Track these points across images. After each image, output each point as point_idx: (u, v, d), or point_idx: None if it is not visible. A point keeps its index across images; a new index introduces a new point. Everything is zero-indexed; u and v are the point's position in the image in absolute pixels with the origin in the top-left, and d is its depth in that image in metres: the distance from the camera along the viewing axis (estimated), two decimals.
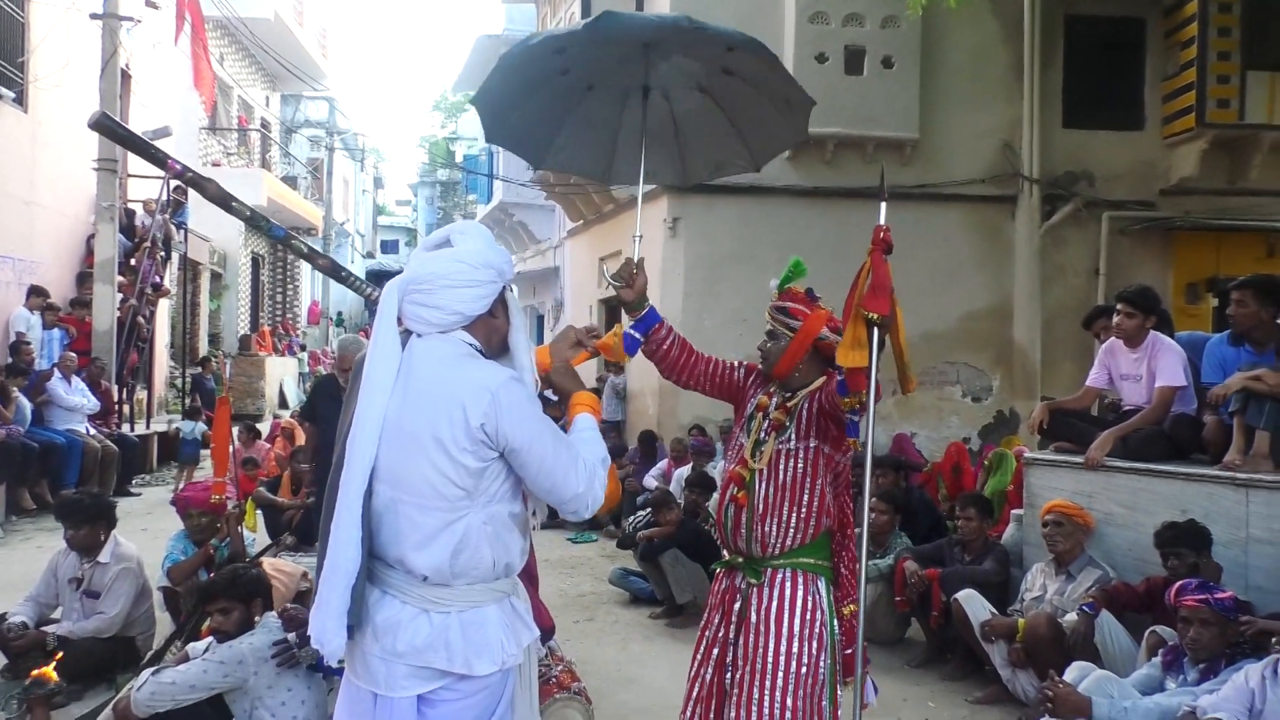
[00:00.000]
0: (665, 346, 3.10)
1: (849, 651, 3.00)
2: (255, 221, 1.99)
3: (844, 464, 3.05)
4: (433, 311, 2.23)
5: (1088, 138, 11.08)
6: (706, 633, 3.09)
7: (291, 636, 3.65)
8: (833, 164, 10.65)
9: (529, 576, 4.72)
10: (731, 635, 3.00)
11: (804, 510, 2.93)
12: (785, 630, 2.90)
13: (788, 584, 2.94)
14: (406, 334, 2.27)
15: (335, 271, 2.08)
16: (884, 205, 2.88)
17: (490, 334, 2.31)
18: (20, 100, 11.16)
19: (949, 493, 8.26)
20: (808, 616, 2.91)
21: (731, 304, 10.53)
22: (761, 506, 2.96)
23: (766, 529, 2.95)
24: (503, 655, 2.21)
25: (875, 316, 2.67)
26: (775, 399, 3.05)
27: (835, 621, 2.96)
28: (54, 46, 11.57)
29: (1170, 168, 11.09)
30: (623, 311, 3.13)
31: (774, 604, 2.92)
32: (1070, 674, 3.90)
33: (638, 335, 3.06)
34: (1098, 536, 5.03)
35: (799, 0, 10.30)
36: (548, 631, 4.28)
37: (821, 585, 2.96)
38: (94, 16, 11.64)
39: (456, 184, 29.80)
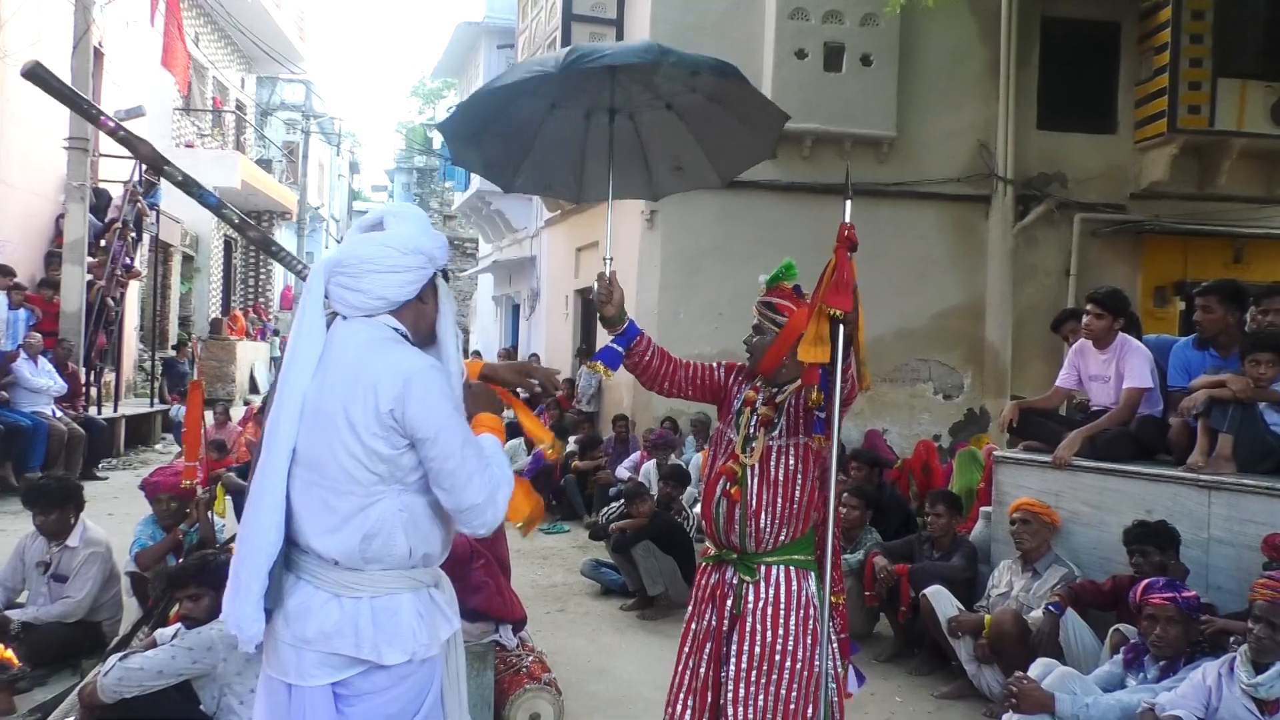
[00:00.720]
0: (646, 359, 3.13)
1: (844, 636, 3.09)
2: (188, 186, 1.96)
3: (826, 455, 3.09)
4: (357, 295, 2.20)
5: (1061, 139, 11.20)
6: (694, 625, 3.11)
7: None
8: (810, 159, 10.69)
9: (502, 566, 4.75)
10: (725, 629, 3.02)
11: (795, 505, 2.97)
12: (783, 627, 2.93)
13: (783, 581, 2.97)
14: (334, 316, 2.25)
15: (266, 245, 2.03)
16: (849, 203, 2.92)
17: (419, 320, 2.27)
18: None
19: (919, 489, 8.35)
20: (803, 613, 2.95)
21: (708, 297, 10.56)
22: (755, 502, 2.98)
23: (761, 524, 2.97)
24: (414, 644, 2.16)
25: (838, 313, 2.72)
26: (762, 394, 3.07)
27: (829, 614, 2.99)
28: (25, 22, 11.37)
29: (1141, 171, 11.24)
30: (599, 323, 3.17)
31: (770, 601, 2.95)
32: (1035, 670, 3.96)
33: (619, 349, 3.10)
34: (1064, 535, 5.11)
35: None
36: (519, 622, 4.31)
37: (811, 580, 3.00)
38: None
39: (434, 170, 29.62)
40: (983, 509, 5.95)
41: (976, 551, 5.45)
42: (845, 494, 5.99)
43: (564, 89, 3.42)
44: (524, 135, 3.64)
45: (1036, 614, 4.61)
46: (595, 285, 3.15)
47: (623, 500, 6.90)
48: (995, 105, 10.97)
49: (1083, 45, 11.36)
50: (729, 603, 3.01)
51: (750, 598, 2.98)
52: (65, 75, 11.27)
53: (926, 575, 5.12)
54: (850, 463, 7.02)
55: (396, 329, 2.21)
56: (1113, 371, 5.24)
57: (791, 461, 2.98)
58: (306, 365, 2.16)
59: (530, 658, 4.44)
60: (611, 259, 3.36)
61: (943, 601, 4.94)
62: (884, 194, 10.68)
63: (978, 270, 11.16)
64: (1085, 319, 5.39)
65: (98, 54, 12.74)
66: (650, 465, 8.71)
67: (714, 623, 3.04)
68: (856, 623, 5.72)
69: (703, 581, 3.14)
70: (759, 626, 2.94)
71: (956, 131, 11.04)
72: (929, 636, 5.14)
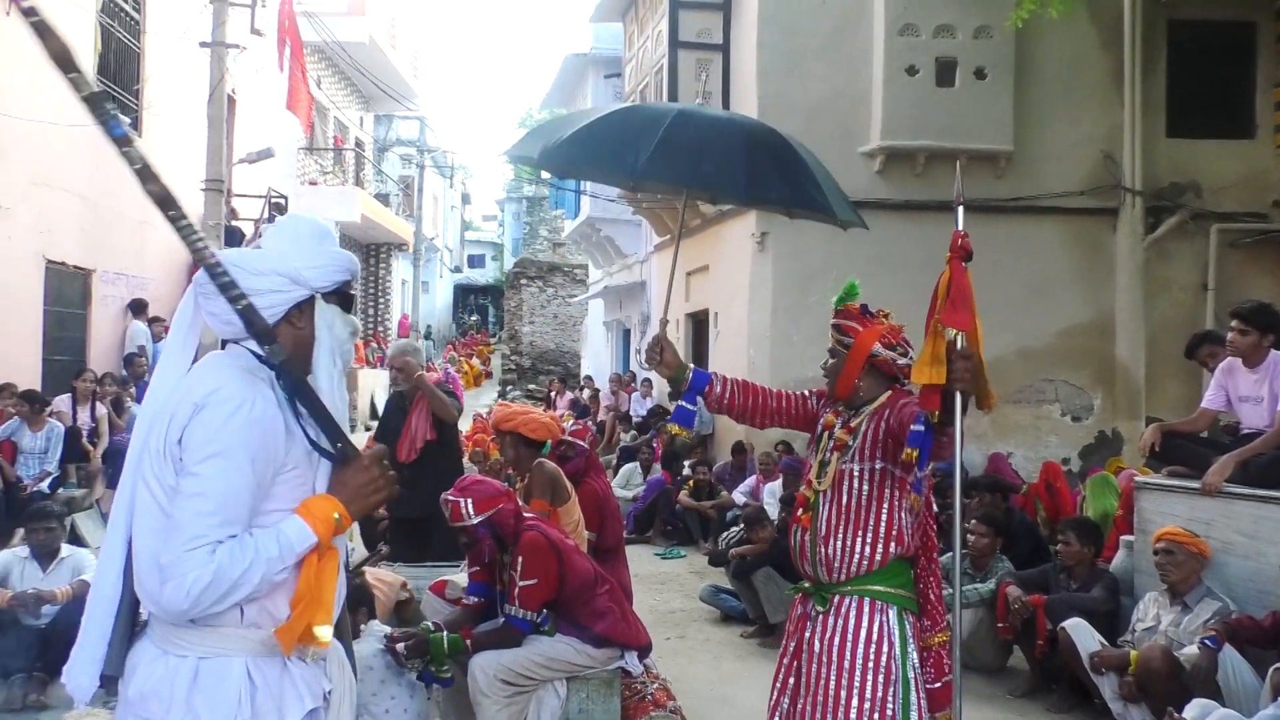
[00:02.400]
0: (726, 401, 3.09)
1: (937, 685, 2.85)
2: (94, 103, 1.75)
3: (915, 484, 2.90)
4: (212, 318, 1.95)
5: (1194, 147, 10.67)
6: (784, 660, 3.02)
7: (400, 648, 3.72)
8: (923, 177, 10.47)
9: (625, 591, 4.75)
10: (800, 663, 2.92)
11: (870, 534, 2.82)
12: (848, 662, 2.78)
13: (852, 612, 2.82)
14: None
15: (165, 205, 1.82)
16: (960, 210, 2.79)
17: (296, 345, 1.96)
18: (135, 126, 11.71)
19: (1047, 515, 8.02)
20: (872, 649, 2.77)
21: (820, 318, 10.27)
22: (824, 529, 2.87)
23: (830, 552, 2.85)
24: (236, 715, 1.81)
25: (954, 332, 2.57)
26: (840, 418, 2.98)
27: (910, 653, 2.80)
28: (165, 74, 12.10)
29: None
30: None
31: (837, 633, 2.81)
32: (1190, 711, 3.73)
33: (690, 407, 3.04)
34: (1216, 566, 4.80)
35: (889, 14, 10.18)
36: (644, 649, 4.29)
37: (892, 615, 2.82)
38: (203, 45, 12.14)
39: (543, 199, 30.22)
40: (1124, 538, 5.67)
41: (1118, 583, 5.18)
42: (973, 520, 5.80)
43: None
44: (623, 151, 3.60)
45: (1188, 650, 4.34)
46: (644, 351, 3.12)
47: (742, 525, 6.83)
48: (1120, 114, 10.54)
49: (1214, 48, 10.83)
50: (806, 633, 2.92)
51: (819, 629, 2.86)
52: (202, 122, 11.99)
53: (1065, 607, 4.89)
54: (971, 491, 6.79)
55: (258, 354, 1.92)
56: (1266, 392, 4.94)
57: (866, 487, 2.84)
58: (156, 391, 1.94)
59: (655, 685, 4.42)
60: (667, 321, 3.37)
61: (1083, 635, 4.71)
62: (1002, 209, 10.37)
63: (1105, 286, 10.70)
64: (1230, 335, 5.11)
65: (230, 100, 13.45)
66: (769, 489, 8.61)
67: (793, 656, 2.97)
68: (988, 655, 5.53)
69: (793, 613, 3.08)
70: (822, 659, 2.82)
71: (1078, 143, 10.64)
72: (1068, 671, 4.91)
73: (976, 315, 2.59)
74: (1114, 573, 5.32)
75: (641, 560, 8.54)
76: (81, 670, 1.87)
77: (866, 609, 2.81)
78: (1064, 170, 10.63)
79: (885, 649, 2.78)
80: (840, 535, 2.84)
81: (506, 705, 3.78)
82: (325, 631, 1.85)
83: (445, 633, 3.81)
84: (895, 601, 2.84)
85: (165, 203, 1.85)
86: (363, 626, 3.89)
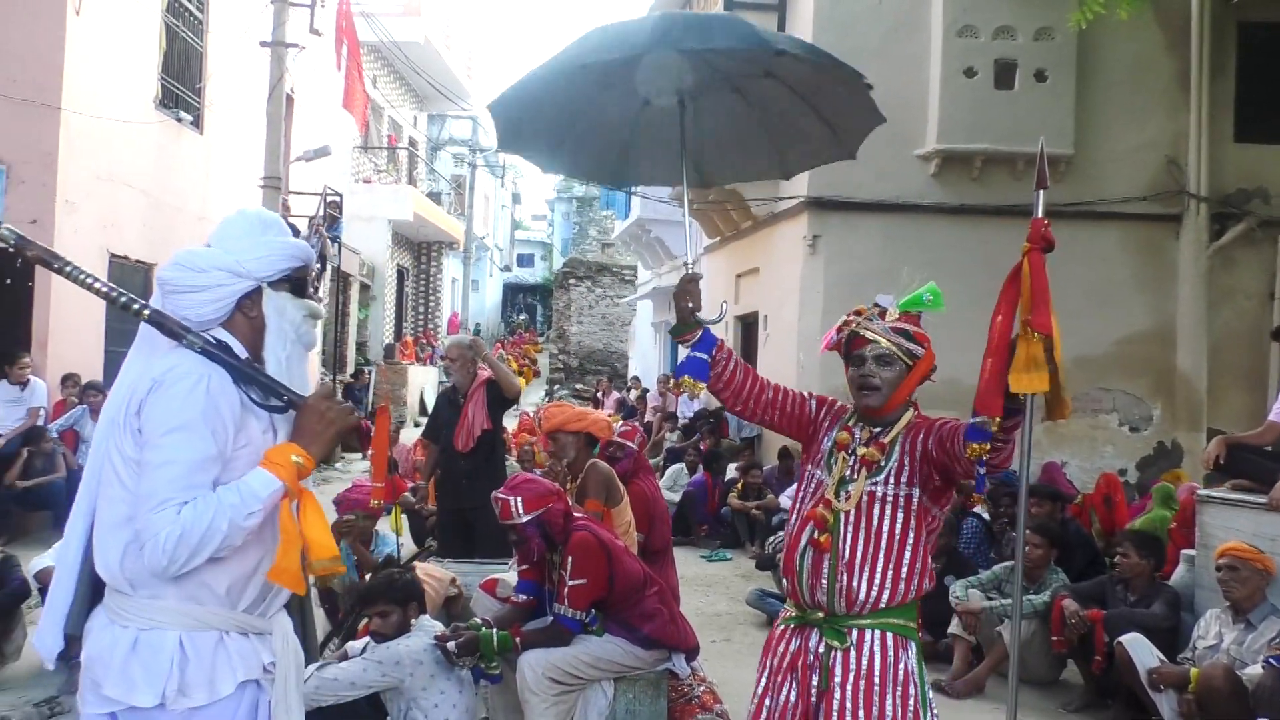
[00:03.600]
0: (730, 370, 2.74)
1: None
2: None
3: (938, 519, 2.66)
4: (174, 311, 2.07)
5: (1263, 152, 10.36)
6: (769, 701, 2.64)
7: (451, 645, 3.74)
8: (980, 181, 10.32)
9: (672, 593, 4.74)
10: (810, 707, 2.55)
11: (903, 568, 2.54)
12: (877, 707, 2.49)
13: (877, 648, 2.53)
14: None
15: (47, 262, 1.86)
16: (1041, 194, 2.53)
17: (251, 335, 2.11)
18: (197, 123, 11.95)
19: (1102, 527, 7.86)
20: (901, 690, 2.51)
21: None
22: (848, 554, 2.54)
23: (855, 582, 2.53)
24: (163, 689, 1.92)
25: (1040, 336, 2.36)
26: (859, 434, 2.66)
27: (928, 691, 2.59)
28: (227, 73, 12.34)
29: None
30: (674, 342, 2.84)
31: (864, 673, 2.51)
32: None
33: (703, 356, 2.68)
34: None
35: (947, 15, 10.04)
36: (692, 651, 4.28)
37: (912, 651, 2.57)
38: (263, 44, 12.36)
39: (593, 200, 30.31)
40: (1184, 552, 5.53)
41: (1180, 598, 5.05)
42: (1027, 531, 5.69)
43: (623, 68, 3.10)
44: (569, 113, 3.34)
45: (1251, 670, 4.22)
46: (675, 292, 2.78)
47: None
48: (1185, 118, 10.28)
49: None
50: (814, 677, 2.55)
51: (839, 669, 2.52)
52: (261, 120, 12.21)
53: (1125, 623, 4.77)
54: (1029, 500, 6.67)
55: (222, 342, 2.05)
56: None
57: (900, 515, 2.55)
58: (124, 377, 2.08)
59: (702, 687, 4.41)
60: (690, 263, 3.19)
61: (1142, 651, 4.59)
62: (1061, 214, 10.10)
63: (1166, 294, 10.45)
64: None
65: (289, 99, 13.68)
66: None
67: (794, 699, 2.58)
68: (1041, 668, 5.42)
69: (779, 648, 2.68)
70: (849, 705, 2.49)
71: (1141, 147, 10.41)
72: (1125, 687, 4.79)
73: (1055, 316, 2.41)
74: (1174, 587, 5.19)
75: (687, 562, 8.52)
76: (48, 631, 2.03)
77: (891, 646, 2.54)
78: (1126, 175, 10.40)
79: (911, 690, 2.54)
80: (869, 565, 2.53)
81: (554, 704, 3.79)
82: (328, 562, 1.99)
83: (495, 630, 3.83)
84: (913, 638, 2.60)
85: (48, 260, 2.02)
86: (413, 621, 3.92)
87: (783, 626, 2.73)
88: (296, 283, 2.17)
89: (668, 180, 3.52)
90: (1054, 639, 5.11)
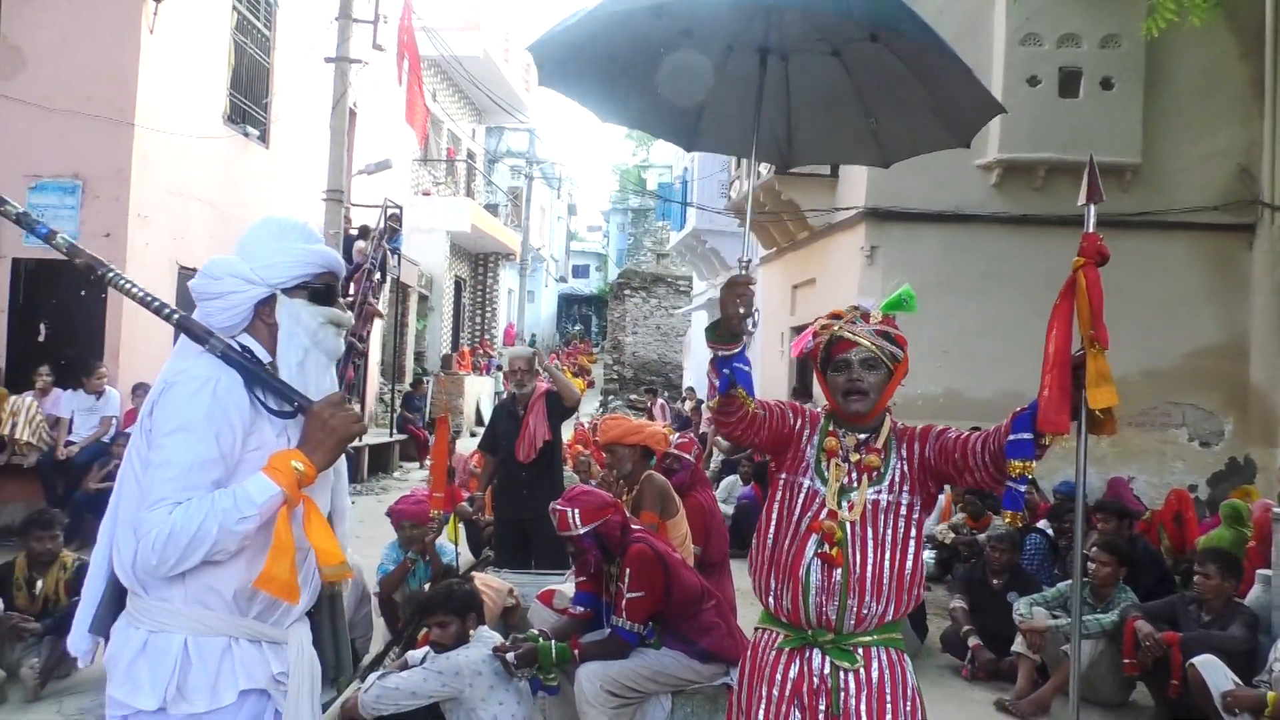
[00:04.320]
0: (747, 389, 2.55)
1: None
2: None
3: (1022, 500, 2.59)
4: (205, 318, 2.09)
5: None
6: None
7: (510, 657, 3.76)
8: (1043, 190, 10.13)
9: (730, 606, 4.71)
10: None
11: (905, 579, 2.45)
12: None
13: (886, 665, 2.46)
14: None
15: (92, 269, 1.98)
16: (1093, 208, 2.46)
17: (273, 341, 2.10)
18: (264, 138, 12.24)
19: (1172, 544, 7.65)
20: (909, 705, 2.46)
21: (932, 335, 10.13)
22: (859, 568, 2.43)
23: (865, 597, 2.42)
24: (164, 693, 1.91)
25: (1100, 351, 2.27)
26: (847, 439, 2.54)
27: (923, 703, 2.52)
28: (292, 88, 12.63)
29: None
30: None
31: (875, 692, 2.42)
32: None
33: (746, 369, 2.51)
34: None
35: (1010, 22, 9.90)
36: None
37: (908, 663, 2.52)
38: (328, 60, 12.63)
39: (648, 211, 30.40)
40: (1260, 572, 5.35)
41: (1258, 619, 4.89)
42: (1094, 548, 5.56)
43: (703, 11, 2.80)
44: (639, 57, 2.93)
45: None
46: (723, 294, 2.50)
47: None
48: (1259, 126, 9.99)
49: None
50: (821, 702, 2.42)
51: (851, 690, 2.42)
52: (324, 134, 12.47)
53: (1202, 647, 4.62)
54: (1094, 515, 6.52)
55: (244, 346, 2.06)
56: None
57: (901, 524, 2.47)
58: (157, 382, 2.11)
59: None
60: (749, 260, 2.81)
61: (1215, 673, 4.45)
62: (1127, 224, 9.93)
63: (1238, 305, 10.14)
64: None
65: (351, 114, 13.94)
66: None
67: None
68: (1109, 690, 5.28)
69: (775, 676, 2.49)
70: None
71: (1212, 156, 10.14)
72: (1196, 710, 4.65)
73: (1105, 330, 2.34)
74: (1251, 608, 5.03)
75: (741, 575, 8.45)
76: (77, 632, 2.06)
77: (896, 662, 2.47)
78: (1196, 184, 10.14)
79: (919, 706, 2.49)
80: (877, 578, 2.43)
81: (612, 716, 3.79)
82: (337, 568, 1.96)
83: (553, 642, 3.84)
84: (905, 649, 2.55)
85: (94, 266, 2.08)
86: (472, 632, 3.95)
87: (774, 651, 2.52)
88: (318, 290, 2.14)
89: (740, 150, 3.08)
90: (1125, 661, 4.97)
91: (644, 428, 5.03)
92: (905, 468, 2.51)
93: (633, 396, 24.24)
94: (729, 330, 2.47)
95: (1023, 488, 2.33)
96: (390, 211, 14.06)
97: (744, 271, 2.62)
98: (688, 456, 5.51)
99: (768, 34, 2.75)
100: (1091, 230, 2.41)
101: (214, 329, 2.05)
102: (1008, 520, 2.58)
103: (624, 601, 3.82)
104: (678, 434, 6.93)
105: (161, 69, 9.70)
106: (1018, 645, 5.47)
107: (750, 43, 2.81)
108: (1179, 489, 8.56)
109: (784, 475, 2.60)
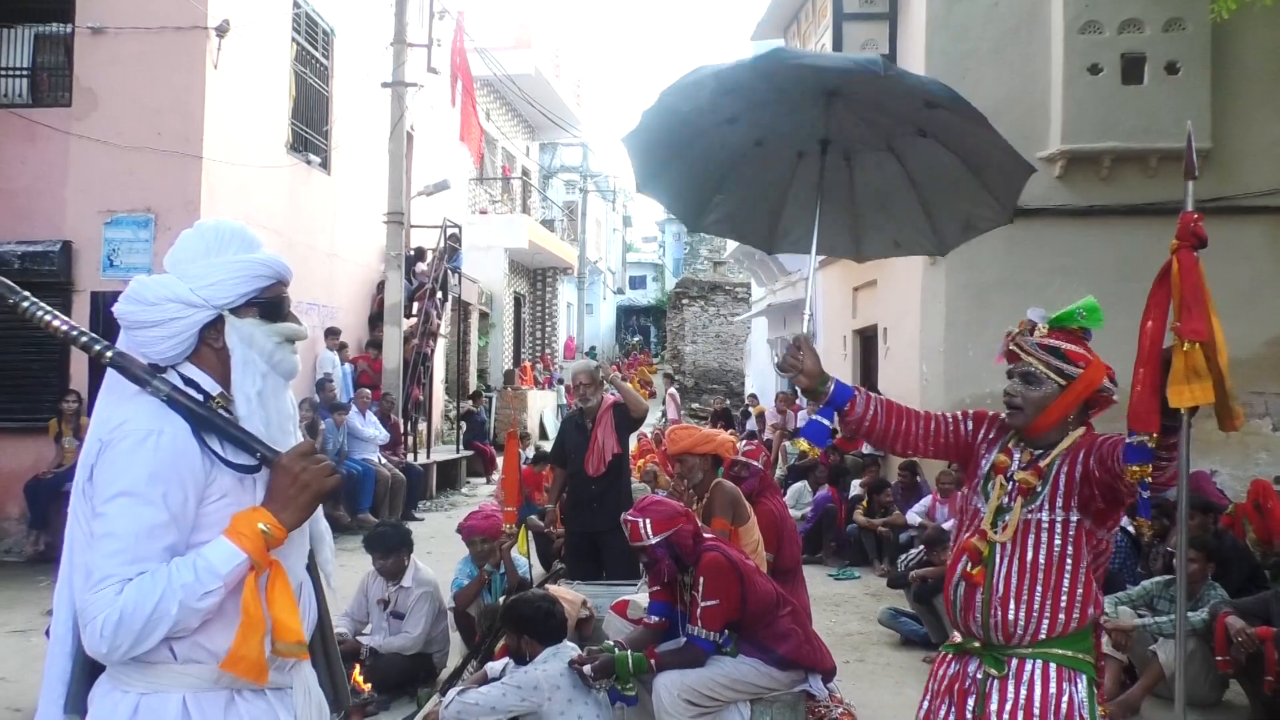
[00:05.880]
0: (868, 423, 2.65)
1: None
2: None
3: (1106, 541, 2.56)
4: (134, 349, 1.83)
5: None
6: None
7: (587, 668, 3.78)
8: (1110, 180, 9.90)
9: (806, 612, 4.67)
10: None
11: (1062, 597, 2.43)
12: None
13: (1038, 679, 2.43)
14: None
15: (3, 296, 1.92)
16: (1190, 185, 2.41)
17: (222, 368, 1.85)
18: (325, 164, 12.52)
19: (1257, 536, 7.38)
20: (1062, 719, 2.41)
21: (997, 332, 9.79)
22: (1002, 588, 2.46)
23: (1010, 616, 2.45)
24: None
25: (1190, 344, 2.19)
26: (1018, 457, 2.55)
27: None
28: (350, 115, 12.90)
29: None
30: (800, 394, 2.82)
31: (1021, 704, 2.42)
32: None
33: (825, 422, 2.62)
34: None
35: (1068, 11, 9.70)
36: (829, 672, 4.21)
37: (1082, 685, 2.45)
38: (384, 85, 12.88)
39: None
40: None
41: None
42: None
43: (770, 118, 3.04)
44: (718, 168, 3.29)
45: None
46: (783, 355, 2.67)
47: (922, 547, 6.61)
48: None
49: None
50: (970, 701, 2.50)
51: (995, 697, 2.45)
52: (383, 158, 12.73)
53: None
54: (1171, 514, 6.33)
55: (189, 379, 1.82)
56: None
57: (1057, 542, 2.44)
58: (91, 429, 1.85)
59: (839, 709, 4.33)
60: (812, 315, 2.98)
61: None
62: (1200, 211, 9.62)
63: None
64: None
65: (409, 136, 14.19)
66: (945, 510, 8.30)
67: None
68: (1202, 689, 5.12)
69: (939, 671, 2.66)
70: None
71: None
72: None
73: (1215, 317, 2.24)
74: None
75: (815, 581, 8.36)
76: (44, 714, 1.81)
77: (1054, 677, 2.44)
78: (1269, 168, 9.81)
79: None
80: (1025, 598, 2.44)
81: None
82: (292, 647, 1.76)
83: (630, 652, 3.84)
84: (1084, 669, 2.47)
85: (3, 294, 1.82)
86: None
87: (944, 652, 2.70)
88: (267, 304, 1.88)
89: (821, 250, 3.25)
90: (1218, 659, 4.82)
91: (714, 437, 5.03)
92: (1065, 482, 2.47)
93: (694, 405, 24.20)
94: (804, 390, 2.66)
95: (1146, 493, 2.27)
96: (449, 231, 14.28)
97: (806, 329, 2.81)
98: (756, 463, 5.49)
99: (827, 126, 2.98)
100: (1190, 209, 2.35)
101: (150, 360, 1.80)
102: (1139, 528, 2.52)
103: (699, 610, 3.81)
104: (746, 441, 6.91)
105: (226, 102, 9.99)
106: (1104, 646, 5.33)
107: (815, 147, 3.06)
108: (1262, 480, 8.26)
109: (963, 489, 2.74)
